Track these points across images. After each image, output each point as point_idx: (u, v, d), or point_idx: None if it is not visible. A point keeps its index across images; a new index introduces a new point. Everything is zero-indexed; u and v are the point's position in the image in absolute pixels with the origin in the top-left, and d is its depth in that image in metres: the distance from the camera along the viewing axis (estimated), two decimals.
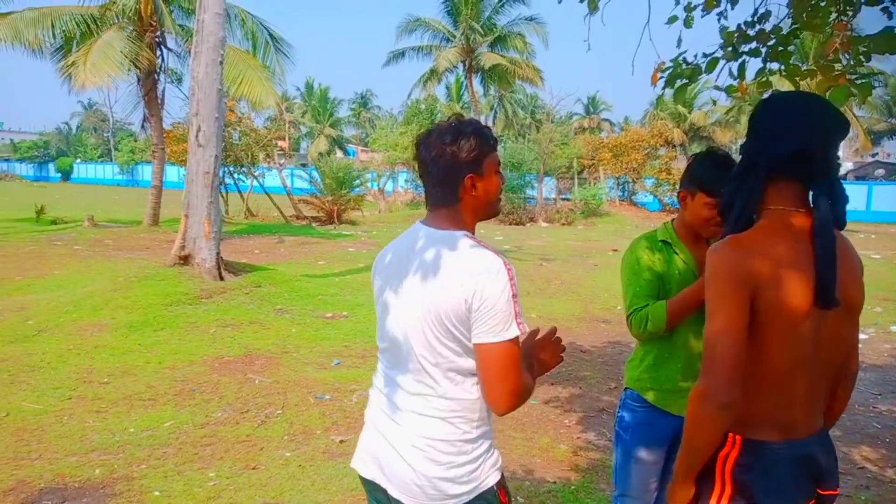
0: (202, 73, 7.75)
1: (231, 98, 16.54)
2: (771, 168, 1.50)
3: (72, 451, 3.89)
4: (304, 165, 29.72)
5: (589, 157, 32.03)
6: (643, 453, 2.26)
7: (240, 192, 22.19)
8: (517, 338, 1.53)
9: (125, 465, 3.72)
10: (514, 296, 1.52)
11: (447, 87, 44.56)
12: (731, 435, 1.53)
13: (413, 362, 1.62)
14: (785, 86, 3.53)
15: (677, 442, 2.30)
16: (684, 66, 3.67)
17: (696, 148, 40.70)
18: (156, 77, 15.29)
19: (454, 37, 30.11)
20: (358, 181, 22.47)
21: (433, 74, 30.37)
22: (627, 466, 2.29)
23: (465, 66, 30.75)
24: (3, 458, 3.75)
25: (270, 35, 16.18)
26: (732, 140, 35.92)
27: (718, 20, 3.49)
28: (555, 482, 3.73)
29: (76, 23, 14.15)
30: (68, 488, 3.44)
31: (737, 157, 1.77)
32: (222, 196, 21.85)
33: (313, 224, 20.75)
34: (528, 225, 24.07)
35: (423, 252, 1.61)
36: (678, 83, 3.73)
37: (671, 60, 3.73)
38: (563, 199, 29.91)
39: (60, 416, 4.42)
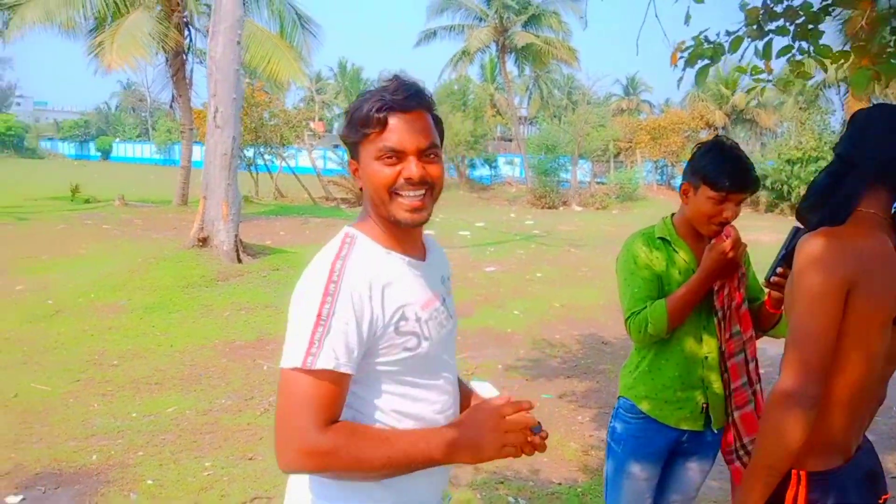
0: (220, 53, 7.67)
1: (259, 79, 16.54)
2: (877, 173, 1.45)
3: (73, 435, 3.87)
4: (336, 146, 29.72)
5: (626, 140, 31.38)
6: (636, 468, 2.08)
7: (270, 172, 22.28)
8: (303, 371, 1.13)
9: (122, 452, 3.69)
10: (319, 315, 1.14)
11: (482, 67, 44.04)
12: (794, 471, 1.41)
13: None
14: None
15: (674, 457, 2.14)
16: (706, 45, 3.43)
17: (738, 131, 39.57)
18: (184, 57, 15.35)
19: (487, 16, 29.61)
20: None
21: (465, 55, 30.00)
22: (619, 481, 2.12)
23: (498, 45, 30.27)
24: (4, 440, 3.75)
25: (298, 15, 16.07)
26: (777, 123, 34.79)
27: None
28: (560, 483, 3.57)
29: (105, 3, 14.21)
30: (63, 474, 3.41)
31: (746, 150, 1.60)
32: (252, 177, 22.02)
33: (342, 206, 20.74)
34: (561, 209, 23.68)
35: None
36: (699, 63, 3.49)
37: (693, 39, 3.48)
38: (598, 183, 29.33)
39: (66, 399, 4.42)
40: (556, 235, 14.72)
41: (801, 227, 1.63)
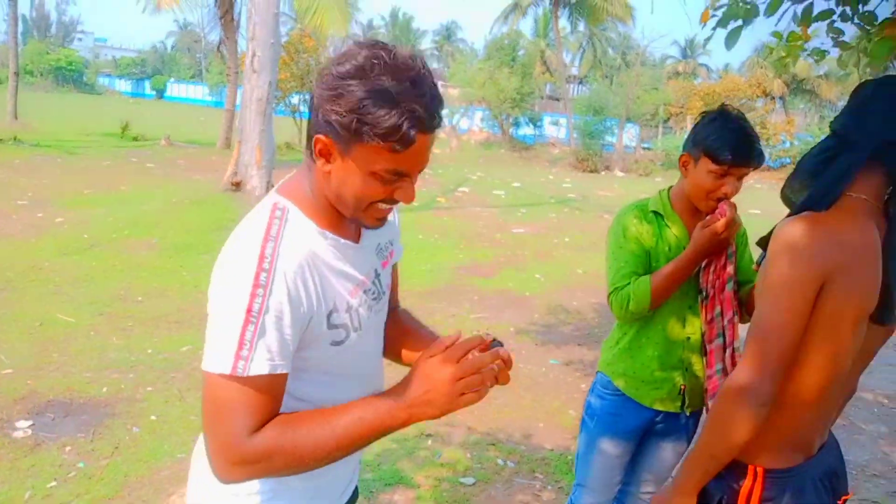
0: None
1: (306, 26, 16.46)
2: (875, 151, 1.32)
3: (88, 366, 4.05)
4: None
5: (678, 105, 30.33)
6: (607, 444, 2.07)
7: None
8: (233, 379, 0.99)
9: (132, 386, 3.84)
10: (248, 312, 0.98)
11: (535, 21, 42.89)
12: (751, 467, 1.37)
13: None
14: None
15: (648, 436, 2.11)
16: (741, 5, 3.24)
17: (797, 102, 37.79)
18: None
19: None
20: None
21: (517, 8, 29.19)
22: (589, 456, 2.11)
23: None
24: (25, 367, 3.95)
25: None
26: (839, 96, 33.06)
27: None
28: (552, 449, 3.58)
29: None
30: (73, 403, 3.58)
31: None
32: (296, 123, 22.14)
33: None
34: (603, 173, 23.20)
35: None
36: (731, 25, 3.31)
37: None
38: (644, 149, 28.57)
39: (88, 331, 4.60)
40: (591, 200, 14.45)
41: None
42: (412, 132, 0.98)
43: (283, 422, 1.03)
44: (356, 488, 1.37)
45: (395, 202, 1.10)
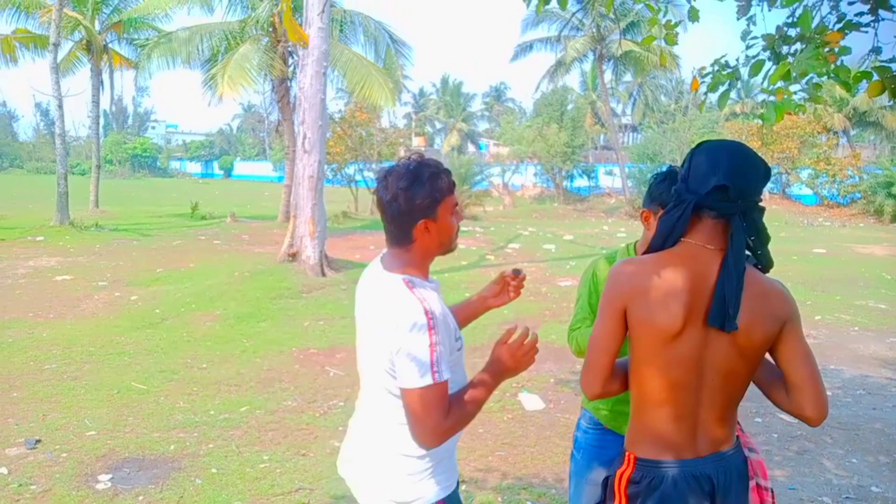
0: (308, 84, 8.36)
1: (358, 100, 17.47)
2: (697, 202, 1.62)
3: (158, 427, 4.49)
4: None
5: None
6: (593, 475, 2.27)
7: (368, 188, 23.33)
8: (434, 385, 1.62)
9: (196, 443, 4.24)
10: (431, 345, 1.60)
11: (583, 75, 43.62)
12: (627, 453, 1.70)
13: (368, 383, 1.83)
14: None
15: None
16: (726, 71, 3.52)
17: (865, 135, 36.69)
18: (287, 84, 16.55)
19: (584, 25, 29.44)
20: (480, 176, 22.77)
21: (560, 65, 29.91)
22: (580, 486, 2.32)
23: (595, 54, 30.02)
24: (104, 429, 4.42)
25: (391, 38, 16.89)
26: None
27: (747, 24, 3.30)
28: None
29: (219, 38, 15.67)
30: (145, 459, 3.99)
31: None
32: (352, 192, 23.18)
33: None
34: None
35: (369, 293, 1.79)
36: (721, 88, 3.59)
37: (712, 65, 3.58)
38: None
39: (158, 397, 5.07)
40: None
41: None
42: (449, 180, 1.75)
43: (457, 403, 1.69)
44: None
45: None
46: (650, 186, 2.23)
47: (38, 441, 4.17)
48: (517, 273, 2.00)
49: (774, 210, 25.96)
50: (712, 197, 1.59)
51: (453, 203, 1.74)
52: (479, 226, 19.76)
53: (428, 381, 1.60)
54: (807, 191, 29.08)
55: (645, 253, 1.71)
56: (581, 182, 32.50)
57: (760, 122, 3.51)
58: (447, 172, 1.74)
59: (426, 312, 1.61)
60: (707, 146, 1.69)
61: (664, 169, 2.28)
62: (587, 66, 35.54)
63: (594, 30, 29.01)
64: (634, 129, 48.15)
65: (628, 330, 1.63)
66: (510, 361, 1.74)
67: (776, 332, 1.59)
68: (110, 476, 3.76)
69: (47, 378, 5.41)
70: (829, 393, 5.45)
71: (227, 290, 8.15)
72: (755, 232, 1.63)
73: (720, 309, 1.54)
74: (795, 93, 3.43)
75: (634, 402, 1.69)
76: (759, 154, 1.69)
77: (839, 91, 32.97)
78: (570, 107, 32.24)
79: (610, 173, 33.21)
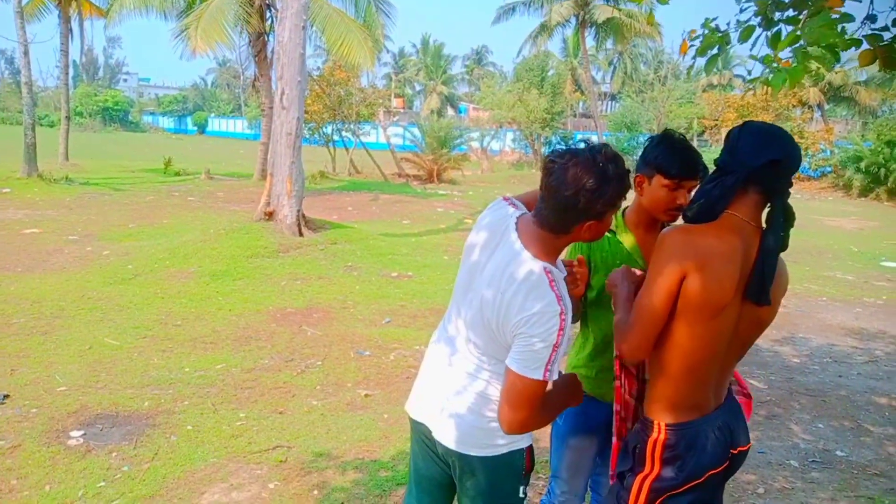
0: (286, 37, 8.12)
1: (336, 58, 17.08)
2: (747, 176, 1.68)
3: (131, 384, 4.43)
4: (412, 124, 30.42)
5: (712, 118, 30.15)
6: (576, 440, 2.29)
7: (346, 148, 23.02)
8: (542, 381, 1.63)
9: (171, 401, 4.20)
10: (555, 346, 1.60)
11: (564, 42, 43.17)
12: (657, 422, 1.78)
13: (471, 334, 1.79)
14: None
15: (611, 429, 2.33)
16: (715, 35, 3.47)
17: (838, 110, 37.08)
18: (265, 39, 16.09)
19: None
20: (460, 140, 22.58)
21: (543, 30, 29.57)
22: (560, 451, 2.33)
23: (578, 19, 29.66)
24: (76, 385, 4.34)
25: None
26: (880, 103, 32.35)
27: None
28: None
29: None
30: (119, 416, 3.94)
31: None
32: (330, 152, 22.84)
33: (412, 183, 21.20)
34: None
35: (505, 261, 1.70)
36: (710, 53, 3.54)
37: (702, 27, 3.53)
38: None
39: (132, 353, 5.00)
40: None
41: None
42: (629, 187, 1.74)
43: (545, 401, 1.70)
44: None
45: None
46: (645, 150, 2.19)
47: (6, 396, 4.08)
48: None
49: None
50: (764, 170, 1.67)
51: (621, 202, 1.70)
52: (457, 190, 19.67)
53: (538, 376, 1.61)
54: None
55: (689, 221, 1.75)
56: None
57: (761, 87, 3.45)
58: (628, 173, 1.67)
59: (561, 314, 1.60)
60: (755, 125, 1.76)
61: (646, 137, 2.25)
62: (569, 31, 35.17)
63: None
64: (613, 97, 48.05)
65: (674, 303, 1.67)
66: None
67: (778, 305, 1.76)
68: (82, 432, 3.70)
69: (15, 333, 5.29)
70: (796, 360, 5.57)
71: (201, 248, 8.01)
72: (785, 214, 1.71)
73: (759, 284, 1.66)
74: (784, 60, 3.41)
75: (665, 372, 1.74)
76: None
77: (815, 65, 33.21)
78: (550, 73, 31.95)
79: (588, 141, 33.16)
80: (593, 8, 28.54)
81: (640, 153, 2.25)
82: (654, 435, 1.76)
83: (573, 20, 29.88)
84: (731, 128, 1.81)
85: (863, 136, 27.02)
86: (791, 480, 3.61)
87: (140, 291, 6.62)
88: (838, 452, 3.98)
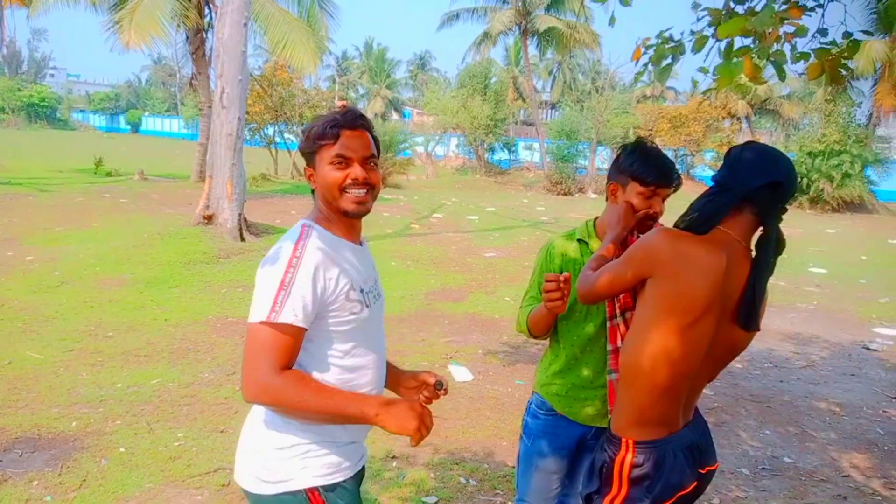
0: (226, 34, 7.81)
1: (278, 60, 16.67)
2: (744, 195, 1.68)
3: (57, 402, 4.10)
4: None
5: (647, 128, 30.96)
6: (543, 461, 2.19)
7: (289, 150, 22.50)
8: (267, 324, 1.44)
9: (101, 420, 3.90)
10: (282, 283, 1.45)
11: (506, 50, 43.64)
12: (624, 440, 1.75)
13: None
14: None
15: (582, 451, 2.23)
16: (668, 45, 3.47)
17: (763, 122, 38.74)
18: (203, 35, 15.53)
19: None
20: (404, 144, 22.41)
21: (487, 37, 29.77)
22: (528, 473, 2.23)
23: (520, 28, 29.99)
24: None
25: None
26: (801, 115, 33.99)
27: None
28: (514, 466, 3.68)
29: None
30: (41, 439, 3.63)
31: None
32: (272, 154, 22.27)
33: None
34: (577, 195, 23.61)
35: None
36: (663, 62, 3.53)
37: (656, 36, 3.52)
38: None
39: (57, 368, 4.65)
40: (563, 223, 14.71)
41: None
42: (334, 129, 1.58)
43: (301, 377, 1.47)
44: (364, 467, 1.74)
45: (354, 186, 1.57)
46: (618, 158, 2.12)
47: None
48: (439, 388, 1.76)
49: (680, 190, 27.03)
50: (762, 192, 1.66)
51: (331, 155, 1.61)
52: (403, 194, 19.50)
53: (259, 316, 1.44)
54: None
55: (684, 228, 1.73)
56: (502, 155, 32.70)
57: (706, 94, 3.48)
58: (324, 125, 1.62)
59: (294, 249, 1.50)
60: (758, 146, 1.75)
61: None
62: (510, 40, 35.55)
63: (520, 3, 28.94)
64: (553, 106, 48.88)
65: (649, 309, 1.67)
66: (413, 421, 1.45)
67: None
68: None
69: None
70: (739, 366, 5.64)
71: (135, 253, 7.60)
72: (777, 239, 1.71)
73: (750, 310, 1.66)
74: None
75: (633, 389, 1.73)
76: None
77: (744, 79, 34.68)
78: (493, 80, 32.20)
79: (529, 148, 33.61)
80: (535, 18, 28.92)
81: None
82: (622, 454, 1.74)
83: (516, 29, 30.20)
84: (732, 146, 1.80)
85: (786, 147, 28.31)
86: (744, 489, 3.62)
87: (67, 300, 6.20)
88: (786, 459, 4.04)
